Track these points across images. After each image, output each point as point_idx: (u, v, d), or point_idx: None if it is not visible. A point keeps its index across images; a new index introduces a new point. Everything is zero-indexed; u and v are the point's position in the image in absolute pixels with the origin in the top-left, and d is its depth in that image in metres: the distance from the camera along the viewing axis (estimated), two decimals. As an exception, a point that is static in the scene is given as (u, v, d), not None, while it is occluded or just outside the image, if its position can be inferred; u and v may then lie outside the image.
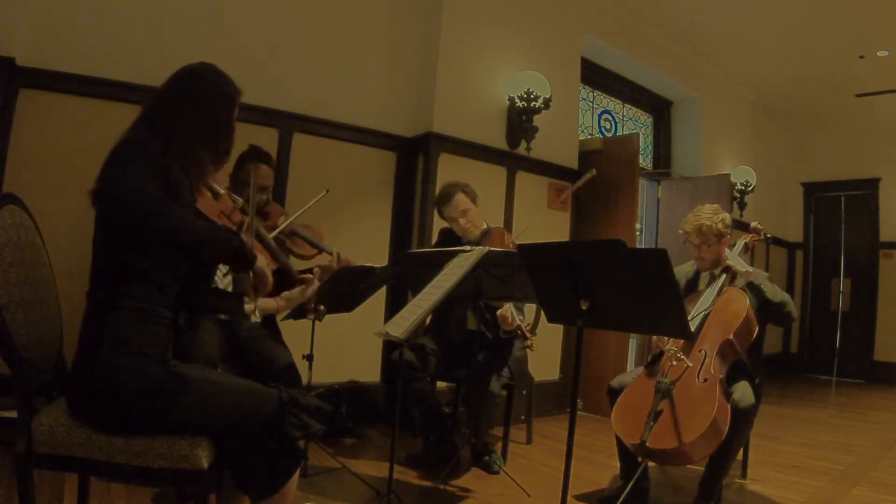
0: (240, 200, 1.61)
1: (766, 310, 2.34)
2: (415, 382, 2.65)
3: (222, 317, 2.19)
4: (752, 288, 2.36)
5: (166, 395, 1.25)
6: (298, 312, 2.43)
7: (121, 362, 1.23)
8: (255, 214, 1.58)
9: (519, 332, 2.62)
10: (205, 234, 1.21)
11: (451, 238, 2.92)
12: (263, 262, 1.38)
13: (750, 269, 2.38)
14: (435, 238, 3.23)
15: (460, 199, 2.82)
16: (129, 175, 1.18)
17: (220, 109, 1.44)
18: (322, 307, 1.98)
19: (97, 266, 1.32)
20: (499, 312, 2.56)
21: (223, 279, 2.10)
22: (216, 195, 1.53)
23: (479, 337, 2.65)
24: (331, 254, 2.42)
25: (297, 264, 2.54)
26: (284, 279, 2.14)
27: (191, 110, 1.39)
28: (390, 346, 3.49)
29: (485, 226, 2.91)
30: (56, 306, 1.51)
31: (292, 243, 2.44)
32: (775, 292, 2.34)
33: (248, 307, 1.38)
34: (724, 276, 2.43)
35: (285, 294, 1.77)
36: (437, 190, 3.47)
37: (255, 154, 2.38)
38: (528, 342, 2.63)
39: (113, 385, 1.23)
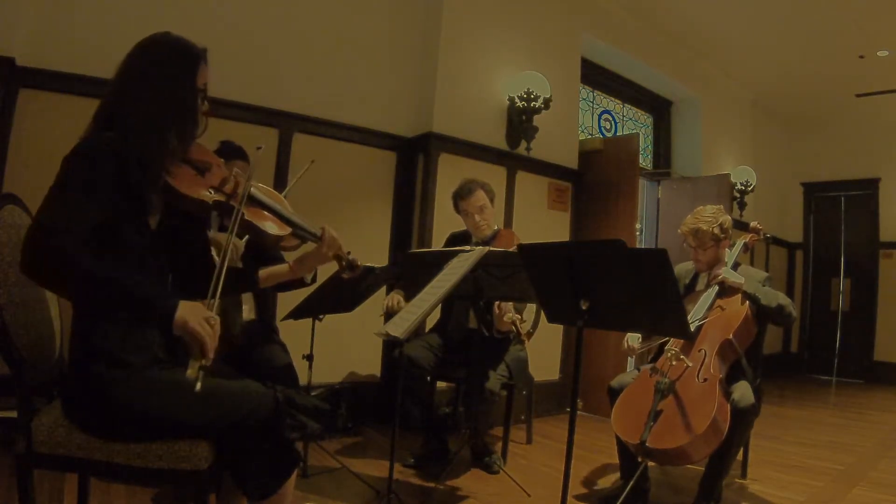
0: (235, 169, 1.47)
1: (765, 314, 2.34)
2: (415, 381, 2.65)
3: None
4: (747, 296, 2.34)
5: (160, 401, 1.24)
6: (315, 301, 2.40)
7: (111, 371, 1.21)
8: (249, 182, 1.42)
9: (514, 327, 2.61)
10: (122, 291, 1.11)
11: (459, 241, 2.93)
12: (195, 319, 1.13)
13: (741, 280, 2.37)
14: (441, 242, 3.22)
15: (481, 195, 2.86)
16: (62, 219, 1.09)
17: (179, 80, 1.32)
18: (358, 265, 1.76)
19: None
20: (496, 303, 2.55)
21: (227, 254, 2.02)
22: (203, 171, 1.37)
23: (477, 335, 2.65)
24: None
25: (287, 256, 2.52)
26: (262, 253, 2.04)
27: (145, 89, 1.28)
28: (390, 345, 3.49)
29: (495, 227, 2.94)
30: (55, 306, 1.51)
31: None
32: (770, 298, 2.31)
33: (189, 372, 1.09)
34: (715, 289, 2.42)
35: (300, 256, 1.66)
36: (433, 187, 3.48)
37: (227, 151, 2.33)
38: (522, 337, 2.62)
39: (106, 395, 1.21)
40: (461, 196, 2.90)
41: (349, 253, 1.67)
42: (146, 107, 1.27)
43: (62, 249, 1.07)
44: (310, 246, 1.62)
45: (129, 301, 1.13)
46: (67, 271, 1.09)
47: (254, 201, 1.46)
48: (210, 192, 1.36)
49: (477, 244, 2.84)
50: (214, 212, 1.42)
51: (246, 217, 1.41)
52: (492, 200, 2.91)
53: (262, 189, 1.52)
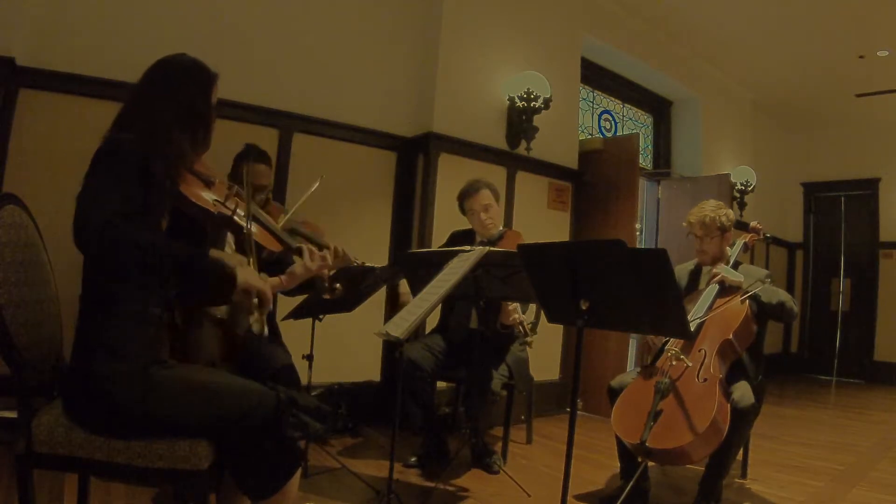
0: (235, 187, 1.58)
1: (766, 312, 2.34)
2: (417, 383, 2.65)
3: (220, 316, 2.18)
4: (747, 294, 2.33)
5: (162, 399, 1.24)
6: (315, 302, 2.42)
7: (113, 369, 1.22)
8: (251, 199, 1.53)
9: (520, 328, 2.61)
10: (180, 256, 1.19)
11: (462, 241, 2.92)
12: (253, 277, 1.28)
13: (741, 278, 2.37)
14: (441, 242, 3.21)
15: (486, 193, 2.87)
16: (96, 211, 1.14)
17: (196, 94, 1.43)
18: (338, 286, 1.93)
19: (88, 269, 1.31)
20: (503, 302, 2.56)
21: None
22: (208, 183, 1.49)
23: (478, 335, 2.65)
24: (329, 249, 2.40)
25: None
26: (278, 264, 2.11)
27: (166, 100, 1.38)
28: (391, 346, 3.49)
29: (501, 227, 2.94)
30: (56, 306, 1.51)
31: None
32: (770, 295, 2.31)
33: (255, 325, 1.24)
34: (716, 288, 2.42)
35: (289, 270, 1.77)
36: (433, 187, 3.48)
37: (250, 153, 2.37)
38: (529, 339, 2.63)
39: (107, 393, 1.22)
40: (466, 195, 2.90)
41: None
42: (166, 113, 1.37)
43: (109, 231, 1.12)
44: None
45: (186, 269, 1.21)
46: (119, 250, 1.14)
47: (254, 218, 1.56)
48: (215, 204, 1.46)
49: (482, 243, 2.83)
50: (220, 226, 1.51)
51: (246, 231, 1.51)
52: (497, 200, 2.92)
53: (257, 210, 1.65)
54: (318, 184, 2.34)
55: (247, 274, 1.28)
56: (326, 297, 1.98)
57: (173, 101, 1.39)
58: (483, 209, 2.85)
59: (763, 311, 2.33)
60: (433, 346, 2.80)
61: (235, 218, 1.47)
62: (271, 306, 1.30)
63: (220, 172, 1.86)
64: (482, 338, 2.66)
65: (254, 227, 1.57)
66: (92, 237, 1.13)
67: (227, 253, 1.91)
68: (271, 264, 2.14)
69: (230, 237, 2.14)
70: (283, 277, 1.76)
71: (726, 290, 2.39)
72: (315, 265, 1.77)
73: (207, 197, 1.45)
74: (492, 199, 2.87)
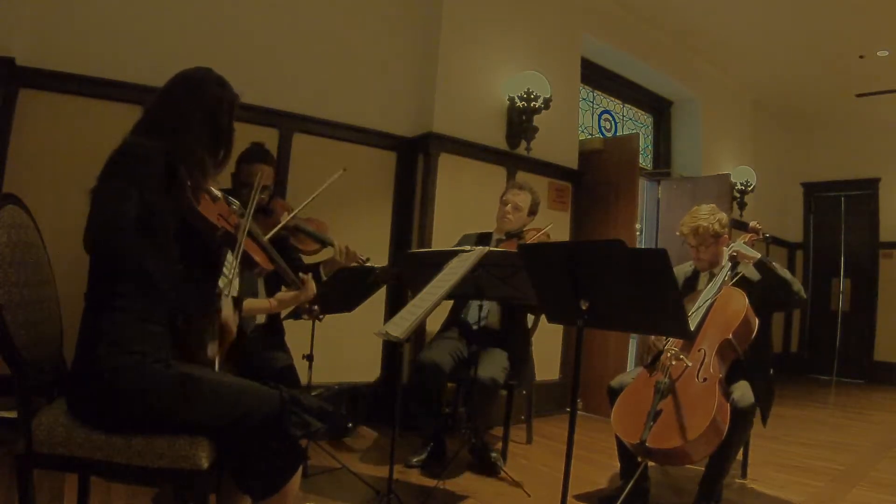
0: (236, 203, 1.63)
1: (774, 291, 2.32)
2: (435, 387, 2.63)
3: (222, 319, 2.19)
4: (761, 268, 2.32)
5: (165, 394, 1.25)
6: (293, 313, 2.43)
7: (119, 362, 1.23)
8: (253, 216, 1.57)
9: None
10: (175, 285, 1.30)
11: (473, 243, 2.91)
12: (229, 312, 1.42)
13: (757, 254, 2.37)
14: (441, 242, 3.22)
15: (524, 197, 2.94)
16: (112, 213, 1.21)
17: (222, 114, 1.47)
18: (316, 308, 1.98)
19: (94, 266, 1.32)
20: None
21: (231, 283, 2.11)
22: (214, 199, 1.54)
23: (485, 331, 2.64)
24: (333, 246, 2.41)
25: (306, 259, 2.55)
26: (282, 281, 2.14)
27: (194, 114, 1.42)
28: (390, 345, 3.49)
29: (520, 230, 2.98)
30: (56, 306, 1.51)
31: (296, 240, 2.42)
32: (785, 271, 2.33)
33: (210, 351, 1.35)
34: (725, 269, 2.42)
35: (279, 295, 1.79)
36: (433, 187, 3.50)
37: (254, 154, 2.37)
38: None
39: (111, 385, 1.23)
40: (509, 187, 3.00)
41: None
42: (193, 125, 1.41)
43: (119, 244, 1.21)
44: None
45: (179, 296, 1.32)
46: (124, 264, 1.25)
47: (251, 236, 1.62)
48: (219, 219, 1.50)
49: (499, 241, 2.85)
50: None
51: (243, 248, 1.57)
52: (531, 210, 2.96)
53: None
54: (340, 173, 2.37)
55: (228, 308, 1.40)
56: (304, 317, 2.03)
57: (200, 114, 1.42)
58: (512, 205, 2.91)
59: (772, 290, 2.31)
60: (451, 346, 2.76)
61: (237, 235, 1.52)
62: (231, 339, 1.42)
63: (223, 173, 1.87)
64: (490, 333, 2.65)
65: (251, 245, 1.62)
66: (103, 241, 1.22)
67: (256, 300, 2.03)
68: (273, 276, 2.16)
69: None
70: (272, 302, 1.82)
71: (734, 272, 2.40)
72: (305, 297, 1.85)
73: (213, 211, 1.50)
74: (525, 205, 2.93)
